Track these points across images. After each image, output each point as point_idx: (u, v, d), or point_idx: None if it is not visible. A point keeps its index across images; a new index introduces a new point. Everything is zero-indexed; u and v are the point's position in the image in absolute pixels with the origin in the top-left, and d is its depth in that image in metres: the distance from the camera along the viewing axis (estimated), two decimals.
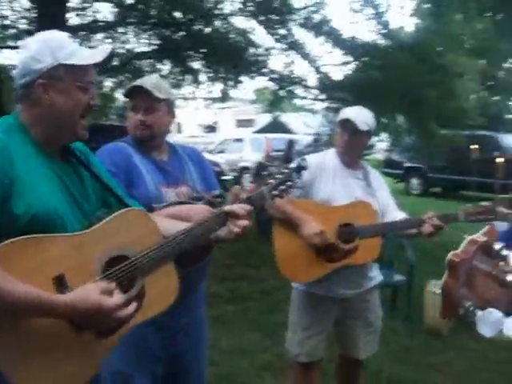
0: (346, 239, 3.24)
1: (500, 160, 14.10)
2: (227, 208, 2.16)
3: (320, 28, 9.86)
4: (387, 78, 9.43)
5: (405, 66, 9.17)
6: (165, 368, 2.57)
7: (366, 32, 10.35)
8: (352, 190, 3.42)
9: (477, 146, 15.24)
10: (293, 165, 2.54)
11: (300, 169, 2.49)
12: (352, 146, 3.41)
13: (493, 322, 0.77)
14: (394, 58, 9.27)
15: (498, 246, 0.89)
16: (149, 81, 2.63)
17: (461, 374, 4.93)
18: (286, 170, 2.41)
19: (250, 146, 20.35)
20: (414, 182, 18.21)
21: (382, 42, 10.14)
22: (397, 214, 3.48)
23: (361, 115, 3.37)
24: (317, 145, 13.69)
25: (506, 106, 21.70)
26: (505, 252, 0.89)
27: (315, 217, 3.23)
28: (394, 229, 3.45)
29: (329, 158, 3.51)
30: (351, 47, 9.97)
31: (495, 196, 13.39)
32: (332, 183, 3.40)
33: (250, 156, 19.28)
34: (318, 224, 3.19)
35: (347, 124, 3.33)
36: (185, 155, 2.75)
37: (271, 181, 2.34)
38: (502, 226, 6.22)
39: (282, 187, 2.36)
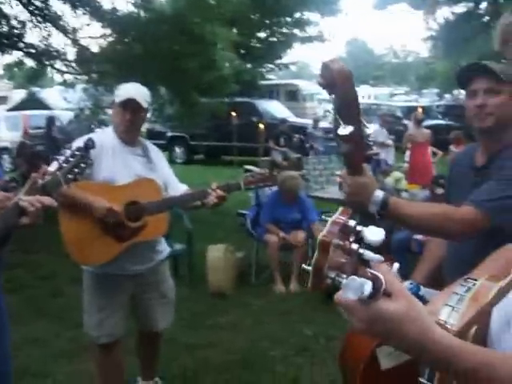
0: (134, 217, 3.28)
1: (260, 125, 14.97)
2: (21, 203, 2.10)
3: (78, 0, 9.55)
4: (148, 50, 9.47)
5: (165, 38, 9.28)
6: None
7: (125, 4, 10.23)
8: (133, 167, 3.43)
9: (236, 113, 15.98)
10: (79, 144, 2.50)
11: (88, 149, 2.46)
12: (134, 124, 3.41)
13: (355, 288, 0.89)
14: (153, 29, 9.32)
15: (352, 223, 1.01)
16: None
17: (248, 329, 5.27)
18: (77, 152, 2.37)
19: (6, 124, 19.11)
20: (178, 150, 18.60)
21: (141, 13, 10.11)
22: (179, 187, 3.59)
23: (140, 93, 3.39)
24: (79, 120, 13.35)
25: (258, 73, 22.89)
26: (359, 228, 1.02)
27: (100, 198, 3.22)
28: (180, 202, 3.55)
29: (107, 136, 3.46)
30: (111, 19, 9.81)
31: (257, 159, 14.25)
32: (113, 162, 3.37)
33: (7, 135, 18.18)
34: (105, 202, 3.19)
35: (129, 103, 3.32)
36: None
37: (64, 164, 2.30)
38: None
39: (76, 170, 2.33)
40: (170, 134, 18.09)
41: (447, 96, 37.06)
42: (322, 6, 21.78)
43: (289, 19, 22.20)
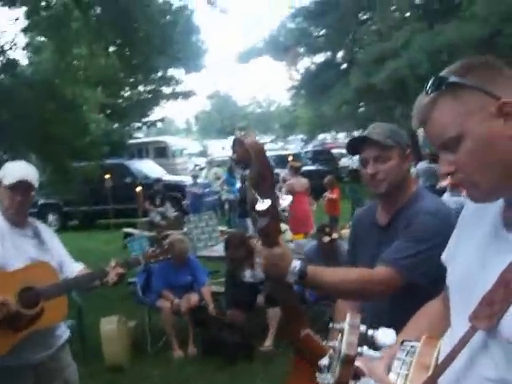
0: (30, 304, 3.09)
1: (138, 188, 14.81)
2: None
3: None
4: (15, 116, 9.14)
5: (33, 103, 9.01)
6: None
7: None
8: (25, 250, 3.25)
9: (109, 175, 15.72)
10: None
11: None
12: (24, 206, 3.24)
13: None
14: (20, 94, 9.02)
15: (363, 328, 1.01)
16: None
17: None
18: None
19: None
20: (51, 218, 17.95)
21: (5, 78, 9.79)
22: (74, 266, 3.44)
23: (30, 172, 3.23)
24: None
25: (126, 132, 22.81)
26: (370, 332, 1.02)
27: None
28: (78, 285, 3.39)
29: None
30: None
31: (134, 220, 14.05)
32: (2, 247, 3.17)
33: None
34: None
35: (19, 185, 3.16)
36: None
37: None
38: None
39: None
40: (41, 201, 17.43)
41: (312, 141, 38.54)
42: (187, 63, 22.13)
43: (154, 77, 22.37)
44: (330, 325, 1.13)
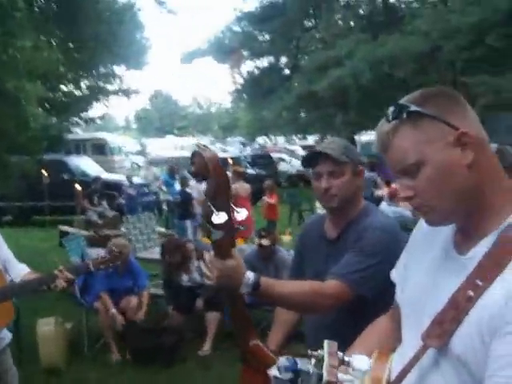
0: None
1: (77, 185, 14.56)
2: None
3: None
4: None
5: None
6: None
7: None
8: None
9: (46, 171, 15.39)
10: None
11: None
12: None
13: None
14: None
15: (340, 355, 1.06)
16: None
17: None
18: None
19: None
20: None
21: None
22: (20, 268, 3.38)
23: None
24: None
25: (65, 127, 22.25)
26: (346, 358, 1.07)
27: None
28: (25, 289, 3.33)
29: None
30: None
31: (71, 218, 13.83)
32: None
33: None
34: None
35: None
36: None
37: None
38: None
39: None
40: None
41: (251, 144, 38.68)
42: (128, 60, 21.84)
43: (96, 73, 21.99)
44: (309, 352, 1.18)
